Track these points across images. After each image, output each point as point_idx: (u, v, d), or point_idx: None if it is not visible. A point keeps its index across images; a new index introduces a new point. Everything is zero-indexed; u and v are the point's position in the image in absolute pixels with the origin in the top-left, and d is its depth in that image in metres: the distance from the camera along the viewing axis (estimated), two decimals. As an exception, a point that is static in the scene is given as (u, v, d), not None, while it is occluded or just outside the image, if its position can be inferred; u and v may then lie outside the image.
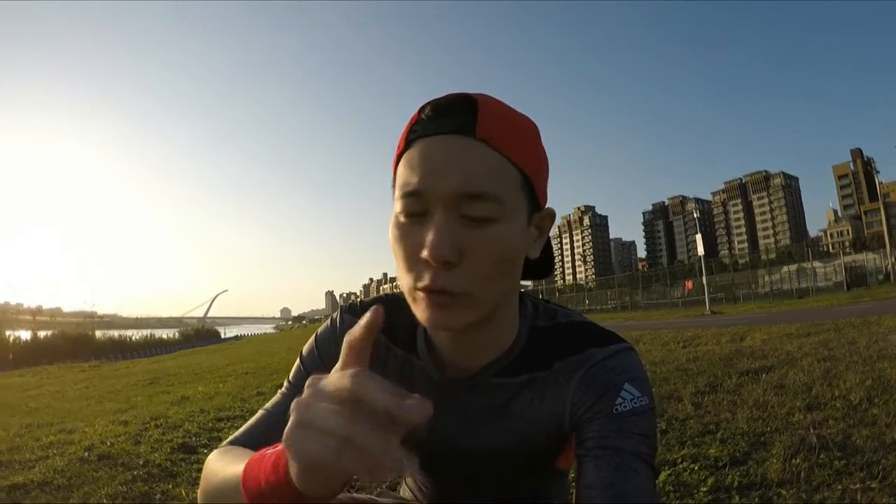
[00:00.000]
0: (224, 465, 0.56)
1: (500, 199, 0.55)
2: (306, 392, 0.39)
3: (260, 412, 0.71)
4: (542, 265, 0.74)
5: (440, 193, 0.54)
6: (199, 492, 0.60)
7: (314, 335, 0.76)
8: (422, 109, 0.59)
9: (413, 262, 0.56)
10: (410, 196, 0.55)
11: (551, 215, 0.65)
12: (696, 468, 2.07)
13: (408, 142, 0.58)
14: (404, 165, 0.57)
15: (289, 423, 0.38)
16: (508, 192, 0.56)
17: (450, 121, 0.56)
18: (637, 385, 0.63)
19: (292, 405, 0.38)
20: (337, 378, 0.37)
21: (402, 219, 0.57)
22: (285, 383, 0.74)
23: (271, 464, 0.44)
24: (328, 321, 0.77)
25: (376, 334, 0.40)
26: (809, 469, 1.94)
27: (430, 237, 0.53)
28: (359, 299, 0.79)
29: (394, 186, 0.61)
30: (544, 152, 0.63)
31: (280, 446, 0.43)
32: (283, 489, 0.42)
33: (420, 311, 0.57)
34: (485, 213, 0.54)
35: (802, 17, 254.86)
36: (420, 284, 0.55)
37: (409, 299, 0.59)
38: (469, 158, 0.55)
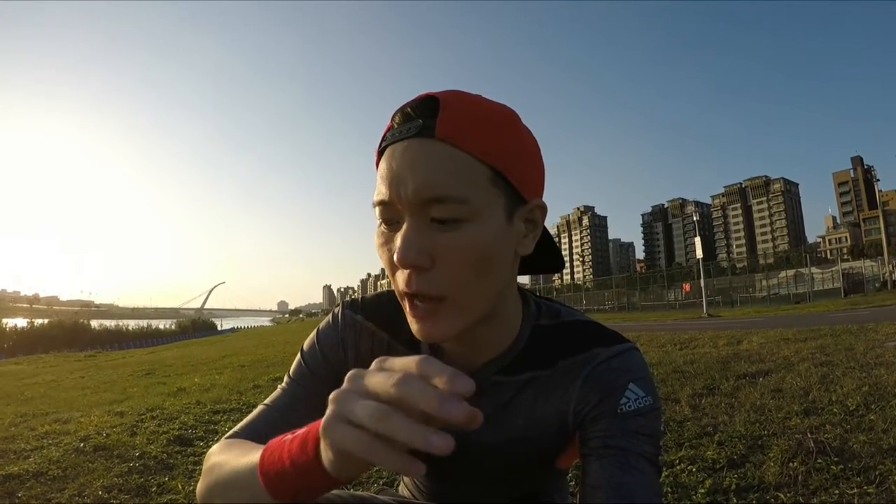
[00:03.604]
0: (232, 456, 0.55)
1: (466, 200, 0.54)
2: (346, 383, 0.39)
3: (260, 407, 0.70)
4: (547, 259, 0.73)
5: (403, 201, 0.54)
6: (199, 487, 0.58)
7: (315, 330, 0.75)
8: (393, 116, 0.58)
9: (393, 268, 0.57)
10: (380, 206, 0.56)
11: (541, 207, 0.62)
12: (693, 470, 2.06)
13: (380, 151, 0.58)
14: (378, 175, 0.58)
15: (327, 413, 0.39)
16: (476, 191, 0.54)
17: (412, 124, 0.55)
18: (642, 385, 0.63)
19: (332, 396, 0.39)
20: (382, 376, 0.37)
21: (382, 228, 0.58)
22: (286, 378, 0.73)
23: (298, 444, 0.44)
24: (329, 316, 0.76)
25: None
26: (807, 473, 1.94)
27: (398, 244, 0.54)
28: (360, 296, 0.78)
29: None
30: (526, 141, 0.60)
31: (303, 429, 0.44)
32: (312, 467, 0.42)
33: (409, 319, 0.58)
34: (450, 216, 0.54)
35: (809, 22, 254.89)
36: (399, 288, 0.57)
37: (402, 304, 0.60)
38: (428, 162, 0.54)
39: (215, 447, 0.62)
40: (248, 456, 0.50)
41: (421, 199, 0.53)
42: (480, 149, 0.55)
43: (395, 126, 0.57)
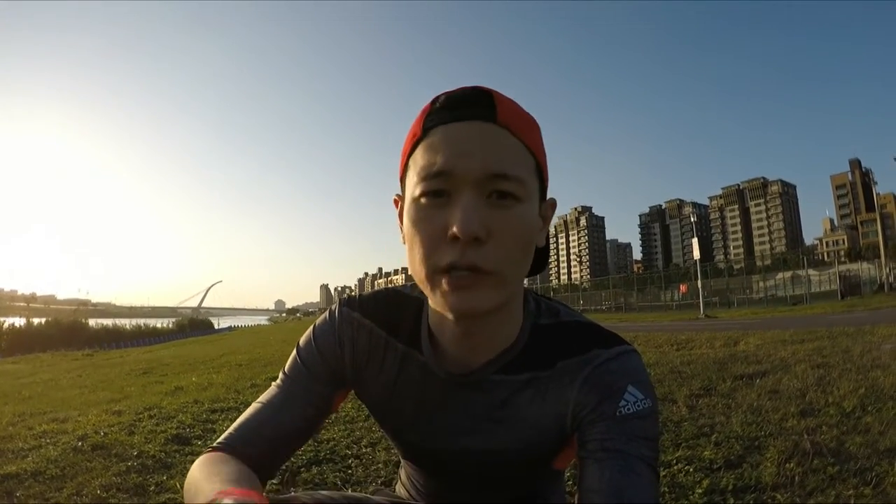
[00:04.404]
0: (199, 479, 0.57)
1: (524, 181, 0.57)
2: None
3: (254, 405, 0.71)
4: (537, 260, 0.74)
5: (468, 173, 0.55)
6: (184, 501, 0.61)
7: (312, 327, 0.75)
8: (435, 101, 0.60)
9: (436, 243, 0.56)
10: (436, 177, 0.56)
11: (553, 205, 0.67)
12: (690, 470, 2.07)
13: (425, 130, 0.59)
14: (425, 150, 0.58)
15: None
16: (528, 176, 0.59)
17: (471, 109, 0.58)
18: (641, 387, 0.63)
19: None
20: None
21: (423, 201, 0.57)
22: (280, 375, 0.73)
23: None
24: (326, 314, 0.76)
25: None
26: (803, 474, 1.95)
27: (459, 214, 0.54)
28: (357, 294, 0.78)
29: (402, 179, 0.62)
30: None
31: None
32: None
33: (441, 295, 0.57)
34: (513, 191, 0.56)
35: (809, 22, 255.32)
36: (445, 262, 0.55)
37: (426, 286, 0.59)
38: (494, 141, 0.57)
39: (196, 463, 0.63)
40: (210, 486, 0.52)
41: (488, 173, 0.56)
42: (529, 141, 0.59)
43: (445, 109, 0.59)
